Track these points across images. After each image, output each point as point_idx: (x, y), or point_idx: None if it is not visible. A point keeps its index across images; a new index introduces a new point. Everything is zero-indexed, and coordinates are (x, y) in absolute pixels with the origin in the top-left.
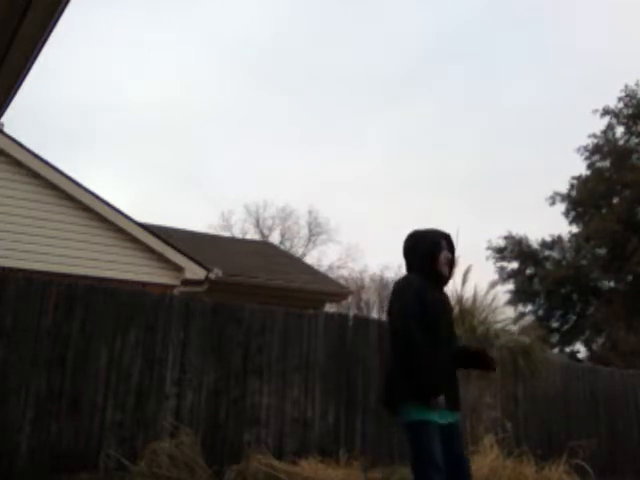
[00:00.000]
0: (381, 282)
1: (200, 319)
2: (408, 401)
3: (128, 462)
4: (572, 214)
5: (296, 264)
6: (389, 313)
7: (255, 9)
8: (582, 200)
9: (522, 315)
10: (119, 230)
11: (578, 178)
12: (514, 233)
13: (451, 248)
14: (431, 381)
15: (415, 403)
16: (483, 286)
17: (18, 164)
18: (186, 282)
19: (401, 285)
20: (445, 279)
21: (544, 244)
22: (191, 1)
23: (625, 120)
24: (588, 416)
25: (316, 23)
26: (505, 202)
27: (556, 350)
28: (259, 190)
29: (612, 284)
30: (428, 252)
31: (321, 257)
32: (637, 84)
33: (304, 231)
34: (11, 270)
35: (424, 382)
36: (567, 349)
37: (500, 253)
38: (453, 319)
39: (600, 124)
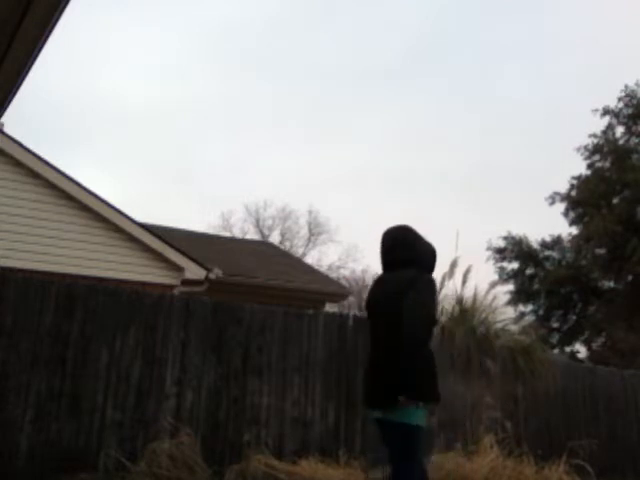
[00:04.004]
0: None
1: (200, 319)
2: None
3: (128, 462)
4: (572, 214)
5: (296, 264)
6: (416, 305)
7: (254, 8)
8: (582, 200)
9: (522, 315)
10: (119, 230)
11: (578, 178)
12: (514, 233)
13: None
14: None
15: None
16: (483, 287)
17: (18, 164)
18: (186, 282)
19: (432, 283)
20: None
21: (544, 244)
22: (194, 2)
23: (625, 120)
24: (588, 416)
25: (315, 21)
26: (505, 202)
27: (556, 350)
28: (259, 190)
29: (612, 284)
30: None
31: (321, 257)
32: (637, 84)
33: (304, 231)
34: (11, 270)
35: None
36: (567, 349)
37: (500, 253)
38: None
39: (600, 124)
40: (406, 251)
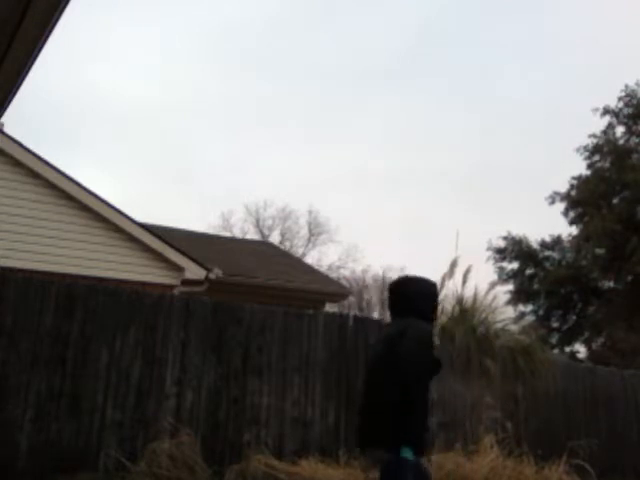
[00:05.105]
0: (383, 282)
1: (200, 319)
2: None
3: (128, 462)
4: (572, 214)
5: (296, 264)
6: (408, 353)
7: (254, 8)
8: (582, 200)
9: (522, 315)
10: (119, 230)
11: (578, 178)
12: (514, 233)
13: None
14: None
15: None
16: (483, 287)
17: (18, 164)
18: (186, 282)
19: (428, 333)
20: None
21: (544, 244)
22: (194, 2)
23: (625, 120)
24: (588, 416)
25: (315, 21)
26: (505, 202)
27: (556, 350)
28: (259, 190)
29: (612, 284)
30: (434, 301)
31: (321, 257)
32: (637, 84)
33: (304, 231)
34: (11, 270)
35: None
36: (567, 349)
37: (500, 254)
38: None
39: (600, 124)
40: (405, 302)
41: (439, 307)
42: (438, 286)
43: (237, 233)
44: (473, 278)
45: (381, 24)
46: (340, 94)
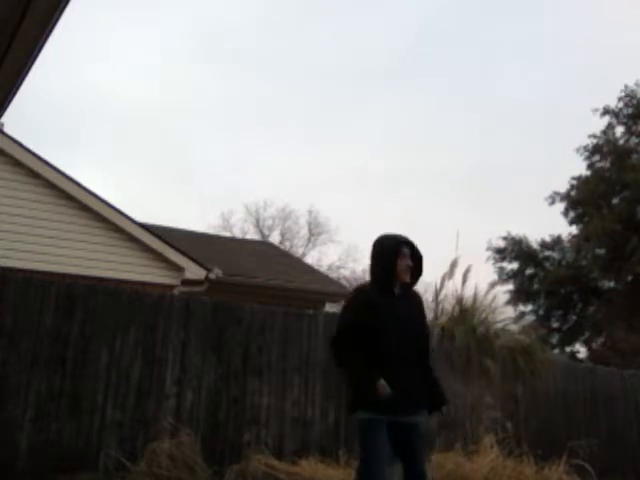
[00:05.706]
0: None
1: (200, 319)
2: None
3: (128, 462)
4: (572, 214)
5: (296, 264)
6: None
7: (254, 8)
8: (582, 200)
9: (522, 315)
10: (119, 230)
11: (578, 178)
12: (514, 233)
13: (413, 253)
14: (367, 377)
15: (360, 406)
16: (483, 287)
17: (18, 164)
18: (186, 282)
19: (347, 298)
20: (408, 285)
21: (544, 244)
22: (194, 2)
23: (625, 120)
24: (588, 416)
25: (315, 20)
26: (505, 202)
27: (556, 350)
28: (259, 190)
29: (612, 284)
30: (387, 259)
31: (321, 257)
32: (637, 84)
33: (304, 231)
34: (11, 270)
35: (361, 381)
36: (567, 349)
37: (500, 254)
38: (420, 324)
39: (600, 124)
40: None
41: (439, 306)
42: (396, 239)
43: (237, 233)
44: (473, 278)
45: (381, 24)
46: (340, 94)
